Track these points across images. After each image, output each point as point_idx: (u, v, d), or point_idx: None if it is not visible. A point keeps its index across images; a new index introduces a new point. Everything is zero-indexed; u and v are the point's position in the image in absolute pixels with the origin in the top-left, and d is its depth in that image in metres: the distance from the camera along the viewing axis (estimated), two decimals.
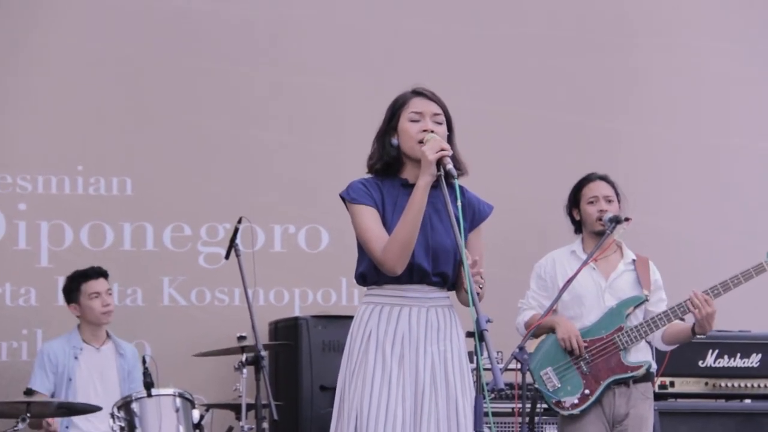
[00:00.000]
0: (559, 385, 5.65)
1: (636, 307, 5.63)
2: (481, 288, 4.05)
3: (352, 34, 7.98)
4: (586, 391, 5.55)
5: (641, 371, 5.56)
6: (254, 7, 8.11)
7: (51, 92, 7.33)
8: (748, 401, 6.77)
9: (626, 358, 5.56)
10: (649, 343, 5.77)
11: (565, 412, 5.60)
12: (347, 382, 4.06)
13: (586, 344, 5.56)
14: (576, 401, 5.54)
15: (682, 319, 5.60)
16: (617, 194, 5.77)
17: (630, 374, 5.54)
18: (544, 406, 5.77)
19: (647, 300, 5.63)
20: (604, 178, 5.79)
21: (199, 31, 7.79)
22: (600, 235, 5.65)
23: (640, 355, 5.57)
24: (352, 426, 4.02)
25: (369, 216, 4.00)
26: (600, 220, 5.63)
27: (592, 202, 5.66)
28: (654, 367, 5.74)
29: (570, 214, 5.79)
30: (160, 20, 7.75)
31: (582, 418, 5.57)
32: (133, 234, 7.33)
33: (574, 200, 5.73)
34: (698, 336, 5.66)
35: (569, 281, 5.44)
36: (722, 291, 5.55)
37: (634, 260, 5.73)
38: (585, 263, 5.52)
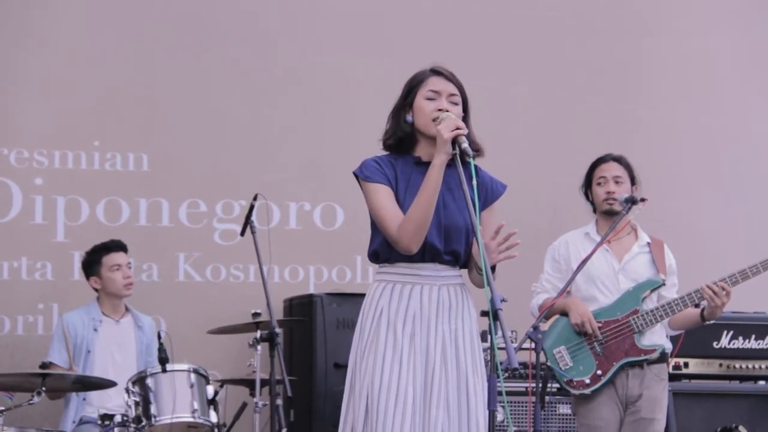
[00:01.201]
0: (572, 365, 5.66)
1: (652, 291, 5.64)
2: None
3: (366, 14, 7.93)
4: (599, 372, 5.57)
5: (655, 354, 5.57)
6: None
7: (68, 68, 7.32)
8: (762, 383, 6.76)
9: (640, 341, 5.56)
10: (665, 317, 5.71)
11: (576, 392, 5.62)
12: (358, 359, 4.13)
13: (600, 325, 5.56)
14: (588, 381, 5.56)
15: (697, 306, 5.64)
16: (631, 176, 5.78)
17: (644, 357, 5.55)
18: (557, 385, 5.81)
19: (664, 284, 5.66)
20: (617, 159, 5.79)
21: (215, 11, 7.77)
22: (610, 215, 5.68)
23: (655, 338, 5.59)
24: (364, 403, 4.08)
25: (383, 194, 4.02)
26: (607, 200, 5.66)
27: (600, 183, 5.70)
28: (669, 348, 5.73)
29: (585, 194, 5.81)
30: (167, 1, 7.69)
31: (594, 398, 5.58)
32: (149, 210, 7.34)
33: (588, 181, 5.77)
34: (707, 322, 5.69)
35: (583, 263, 5.48)
36: (740, 279, 5.55)
37: (648, 243, 5.72)
38: (599, 245, 5.54)
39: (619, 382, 5.56)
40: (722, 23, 8.49)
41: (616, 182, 5.69)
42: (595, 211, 5.79)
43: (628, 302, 5.63)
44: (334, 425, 4.62)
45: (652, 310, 5.59)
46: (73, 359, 6.41)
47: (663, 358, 5.71)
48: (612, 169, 5.73)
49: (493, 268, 3.95)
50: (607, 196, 5.70)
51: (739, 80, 8.39)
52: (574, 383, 5.63)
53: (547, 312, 5.65)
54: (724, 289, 5.45)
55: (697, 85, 8.35)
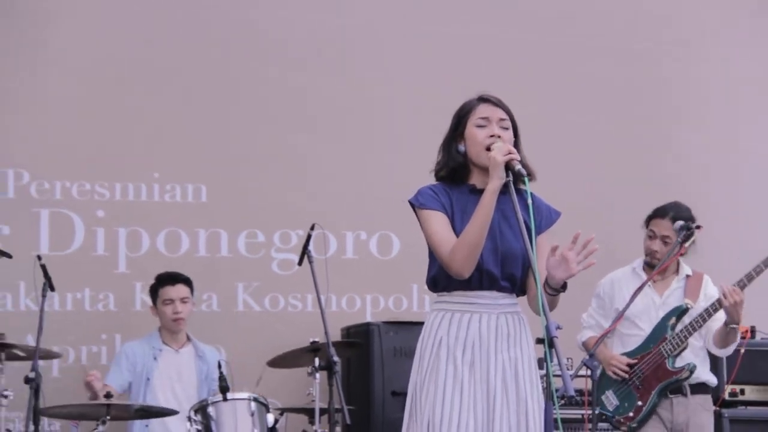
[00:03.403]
0: (618, 404, 5.94)
1: (678, 317, 5.82)
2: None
3: (414, 46, 8.05)
4: (639, 403, 5.84)
5: (685, 373, 5.72)
6: (315, 16, 8.16)
7: (127, 102, 7.42)
8: None
9: (671, 364, 5.73)
10: (709, 352, 5.98)
11: (624, 428, 5.88)
12: (418, 388, 4.11)
13: (636, 361, 5.83)
14: (632, 414, 5.84)
15: (715, 311, 5.81)
16: (685, 236, 5.80)
17: (675, 378, 5.72)
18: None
19: (687, 308, 5.81)
20: (673, 218, 5.91)
21: (268, 44, 7.89)
22: (651, 267, 5.89)
23: (685, 359, 5.79)
24: (424, 422, 4.06)
25: (438, 220, 4.03)
26: (649, 255, 5.91)
27: (650, 236, 5.87)
28: (712, 379, 5.95)
29: (649, 228, 6.04)
30: (225, 30, 7.82)
31: (641, 429, 5.85)
32: (208, 240, 7.48)
33: (645, 223, 6.01)
34: (731, 326, 5.71)
35: (623, 312, 5.69)
36: (747, 281, 5.68)
37: (687, 276, 5.90)
38: (642, 286, 5.74)
39: (664, 412, 5.78)
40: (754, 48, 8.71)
41: (664, 242, 5.81)
42: (651, 256, 5.98)
43: (658, 333, 5.83)
44: None
45: (677, 333, 5.74)
46: (129, 386, 6.57)
47: (706, 389, 5.90)
48: (663, 228, 5.85)
49: (564, 286, 4.02)
50: (650, 253, 5.91)
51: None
52: (622, 420, 5.90)
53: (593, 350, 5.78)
54: (734, 290, 5.59)
55: (739, 111, 8.47)
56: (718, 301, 5.70)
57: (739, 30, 8.82)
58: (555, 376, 3.81)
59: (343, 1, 8.30)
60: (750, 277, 5.74)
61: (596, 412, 5.93)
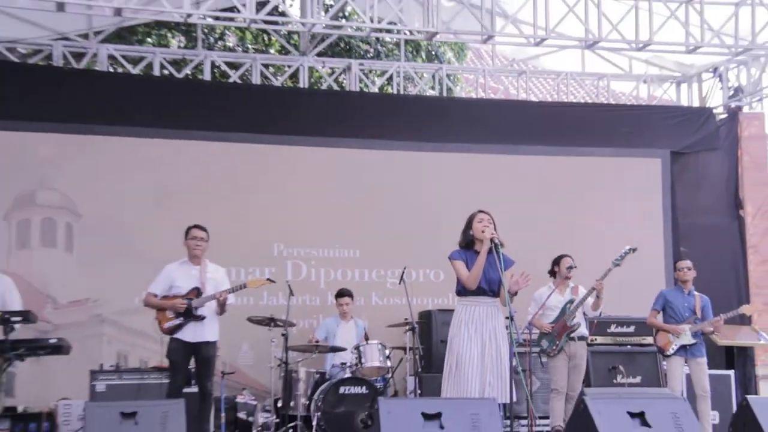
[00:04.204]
0: (548, 344, 8.39)
1: (569, 303, 8.32)
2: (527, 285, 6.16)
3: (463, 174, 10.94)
4: (557, 342, 8.31)
5: (576, 326, 8.19)
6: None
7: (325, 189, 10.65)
8: (628, 347, 9.67)
9: (570, 323, 8.21)
10: (585, 316, 8.37)
11: (548, 356, 8.35)
12: (452, 339, 6.33)
13: (553, 325, 8.27)
14: (554, 347, 8.33)
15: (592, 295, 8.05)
16: (569, 270, 8.41)
17: (571, 330, 8.20)
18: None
19: (573, 300, 8.24)
20: (568, 262, 8.46)
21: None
22: (567, 279, 8.31)
23: (575, 321, 8.23)
24: (454, 358, 6.29)
25: (461, 265, 6.32)
26: (568, 269, 8.31)
27: (568, 269, 8.38)
28: (586, 332, 8.46)
29: (551, 271, 8.60)
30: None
31: (556, 357, 8.31)
32: (369, 277, 10.64)
33: (552, 267, 8.57)
34: (600, 301, 8.04)
35: (544, 304, 8.32)
36: (603, 276, 7.89)
37: (572, 287, 8.45)
38: (551, 293, 8.38)
39: (568, 348, 8.23)
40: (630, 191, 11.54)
41: (569, 275, 8.37)
42: (554, 276, 8.49)
43: (562, 311, 8.41)
44: (441, 369, 6.74)
45: (570, 309, 8.20)
46: (326, 339, 9.38)
47: (583, 338, 8.33)
48: (563, 262, 8.50)
49: (516, 293, 6.17)
50: (566, 276, 8.37)
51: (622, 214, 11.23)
52: (549, 351, 8.39)
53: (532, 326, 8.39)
54: (599, 283, 7.92)
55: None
56: (593, 288, 7.98)
57: None
58: (514, 333, 6.23)
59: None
60: (605, 276, 7.86)
61: (535, 351, 8.59)
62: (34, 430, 8.97)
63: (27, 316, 7.50)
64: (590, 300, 8.18)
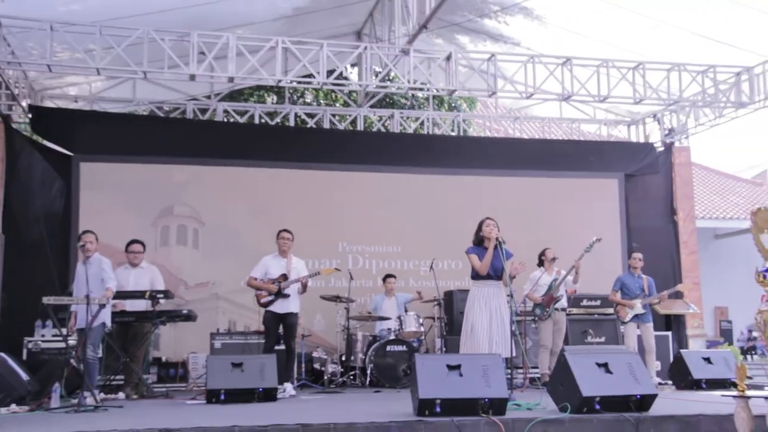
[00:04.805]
0: (540, 312, 8.27)
1: (554, 280, 8.19)
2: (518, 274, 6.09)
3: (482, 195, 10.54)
4: (547, 310, 8.20)
5: (559, 297, 8.14)
6: None
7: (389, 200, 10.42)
8: (596, 315, 9.58)
9: (555, 294, 8.16)
10: (566, 292, 8.20)
11: (541, 320, 8.24)
12: (467, 311, 6.39)
13: (543, 297, 8.18)
14: (544, 315, 8.22)
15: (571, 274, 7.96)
16: (552, 259, 8.32)
17: (556, 300, 8.12)
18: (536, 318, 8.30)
19: (557, 278, 8.14)
20: (548, 249, 8.41)
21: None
22: (552, 262, 8.17)
23: (560, 293, 8.18)
24: (469, 325, 6.36)
25: (474, 257, 6.44)
26: (552, 260, 8.17)
27: (551, 259, 8.30)
28: (566, 305, 8.33)
29: (540, 261, 8.46)
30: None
31: (545, 322, 8.22)
32: (407, 263, 10.47)
33: (540, 257, 8.46)
34: (575, 276, 7.96)
35: (536, 282, 8.23)
36: (579, 258, 7.84)
37: (556, 270, 8.33)
38: (542, 275, 8.27)
39: (554, 315, 8.20)
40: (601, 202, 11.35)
41: (552, 260, 8.24)
42: (541, 264, 8.42)
43: (550, 287, 8.25)
44: (460, 333, 6.67)
45: (556, 284, 8.08)
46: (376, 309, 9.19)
47: (564, 308, 8.27)
48: (549, 253, 8.40)
49: (513, 277, 6.21)
50: (549, 262, 8.26)
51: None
52: (541, 316, 8.25)
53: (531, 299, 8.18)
54: (577, 263, 7.88)
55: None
56: (572, 266, 7.93)
57: None
58: (515, 308, 6.38)
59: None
60: (580, 257, 7.85)
61: (529, 319, 8.41)
62: (173, 374, 9.01)
63: (167, 294, 7.67)
64: (570, 277, 8.05)
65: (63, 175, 9.60)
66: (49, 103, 10.23)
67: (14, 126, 9.36)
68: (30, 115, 9.54)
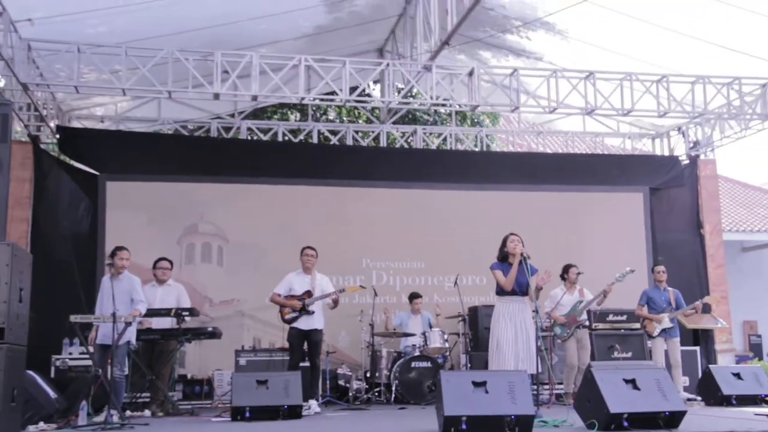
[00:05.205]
0: (560, 331, 8.29)
1: (579, 303, 8.23)
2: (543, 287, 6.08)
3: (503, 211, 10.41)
4: (568, 330, 8.26)
5: (584, 322, 8.23)
6: None
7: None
8: (622, 331, 9.00)
9: (579, 317, 8.23)
10: (589, 312, 8.27)
11: (562, 339, 8.23)
12: (493, 327, 6.38)
13: (566, 317, 8.17)
14: (566, 335, 8.26)
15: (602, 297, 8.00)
16: (577, 275, 8.31)
17: (579, 323, 8.23)
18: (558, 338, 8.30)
19: (581, 300, 8.17)
20: (575, 269, 8.35)
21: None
22: (573, 284, 8.18)
23: (582, 317, 8.26)
24: (495, 341, 6.33)
25: (499, 273, 6.42)
26: (576, 278, 8.18)
27: (575, 278, 8.27)
28: (586, 321, 8.21)
29: (562, 276, 8.43)
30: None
31: (568, 341, 8.22)
32: (425, 280, 10.35)
33: (562, 273, 8.42)
34: (603, 299, 8.02)
35: (558, 302, 8.22)
36: (611, 285, 7.94)
37: (579, 289, 8.39)
38: (564, 294, 8.21)
39: (577, 334, 8.21)
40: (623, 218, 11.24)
41: (577, 274, 8.20)
42: (564, 279, 8.42)
43: (573, 308, 8.30)
44: (486, 349, 6.72)
45: (579, 308, 8.17)
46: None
47: (586, 326, 8.27)
48: (572, 271, 8.29)
49: (540, 289, 6.25)
50: (571, 278, 8.23)
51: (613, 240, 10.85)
52: (561, 337, 8.27)
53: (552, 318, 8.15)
54: (609, 289, 7.90)
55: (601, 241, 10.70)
56: (604, 291, 7.92)
57: None
58: (540, 324, 6.29)
59: None
60: (612, 284, 7.89)
61: (552, 334, 8.39)
62: (198, 391, 9.01)
63: (192, 312, 7.68)
64: (594, 303, 8.17)
65: (89, 194, 9.70)
66: (76, 124, 10.39)
67: (42, 146, 9.49)
68: (57, 136, 9.67)
